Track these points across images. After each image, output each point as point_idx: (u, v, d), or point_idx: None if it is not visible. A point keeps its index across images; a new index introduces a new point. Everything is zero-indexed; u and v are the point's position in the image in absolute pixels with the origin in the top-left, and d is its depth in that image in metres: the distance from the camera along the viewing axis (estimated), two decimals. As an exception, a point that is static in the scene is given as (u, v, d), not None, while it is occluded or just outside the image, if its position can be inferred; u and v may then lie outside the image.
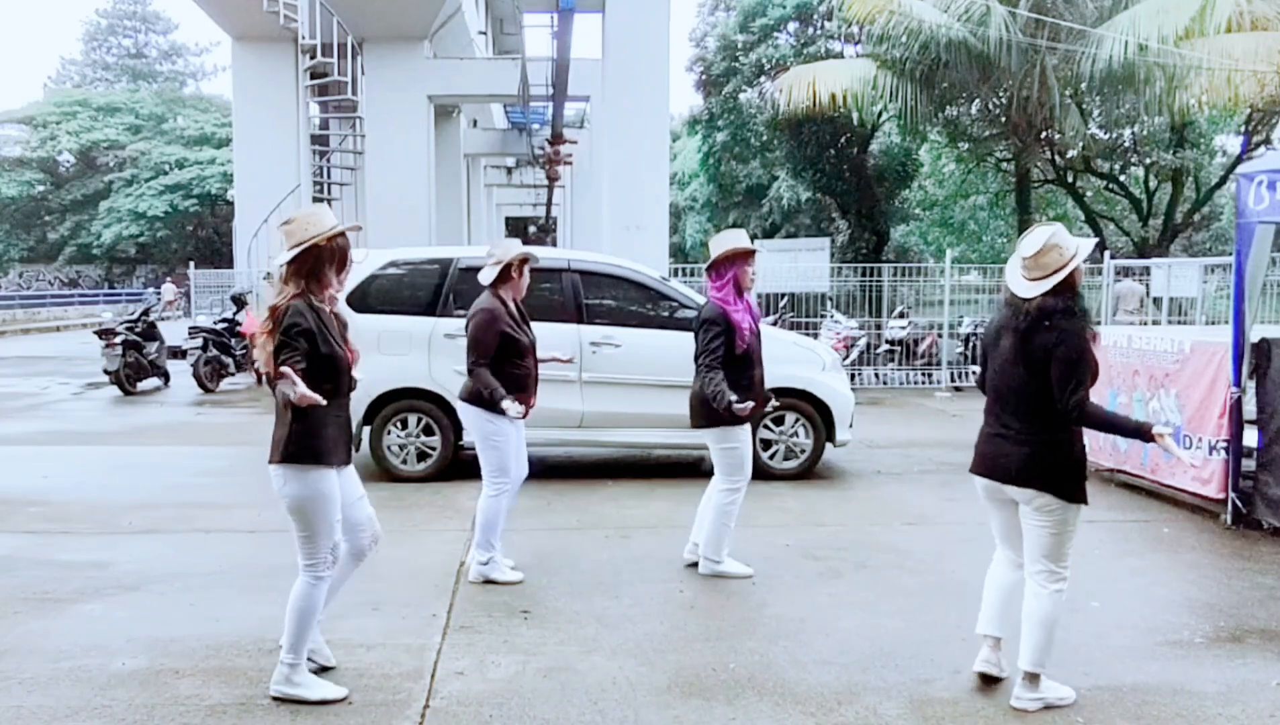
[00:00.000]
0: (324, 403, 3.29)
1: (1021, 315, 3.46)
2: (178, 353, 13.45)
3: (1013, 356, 3.49)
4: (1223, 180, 21.68)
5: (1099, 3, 14.08)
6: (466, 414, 4.92)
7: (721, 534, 5.03)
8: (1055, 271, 3.39)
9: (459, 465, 7.20)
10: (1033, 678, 3.52)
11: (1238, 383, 5.96)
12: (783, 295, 14.14)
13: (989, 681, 3.67)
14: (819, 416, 7.34)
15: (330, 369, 3.43)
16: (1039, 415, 3.46)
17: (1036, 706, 3.50)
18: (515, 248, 4.93)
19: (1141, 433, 3.50)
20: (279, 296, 3.43)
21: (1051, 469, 3.45)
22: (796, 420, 7.34)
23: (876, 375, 13.71)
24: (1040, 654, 3.51)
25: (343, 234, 3.51)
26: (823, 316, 14.09)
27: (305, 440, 3.41)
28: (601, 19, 14.10)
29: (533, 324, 5.05)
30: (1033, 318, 3.43)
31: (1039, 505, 3.47)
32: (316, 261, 3.44)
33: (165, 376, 13.18)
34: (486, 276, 4.87)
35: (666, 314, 7.44)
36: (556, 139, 20.72)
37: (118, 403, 11.87)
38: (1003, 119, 15.37)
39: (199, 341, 12.76)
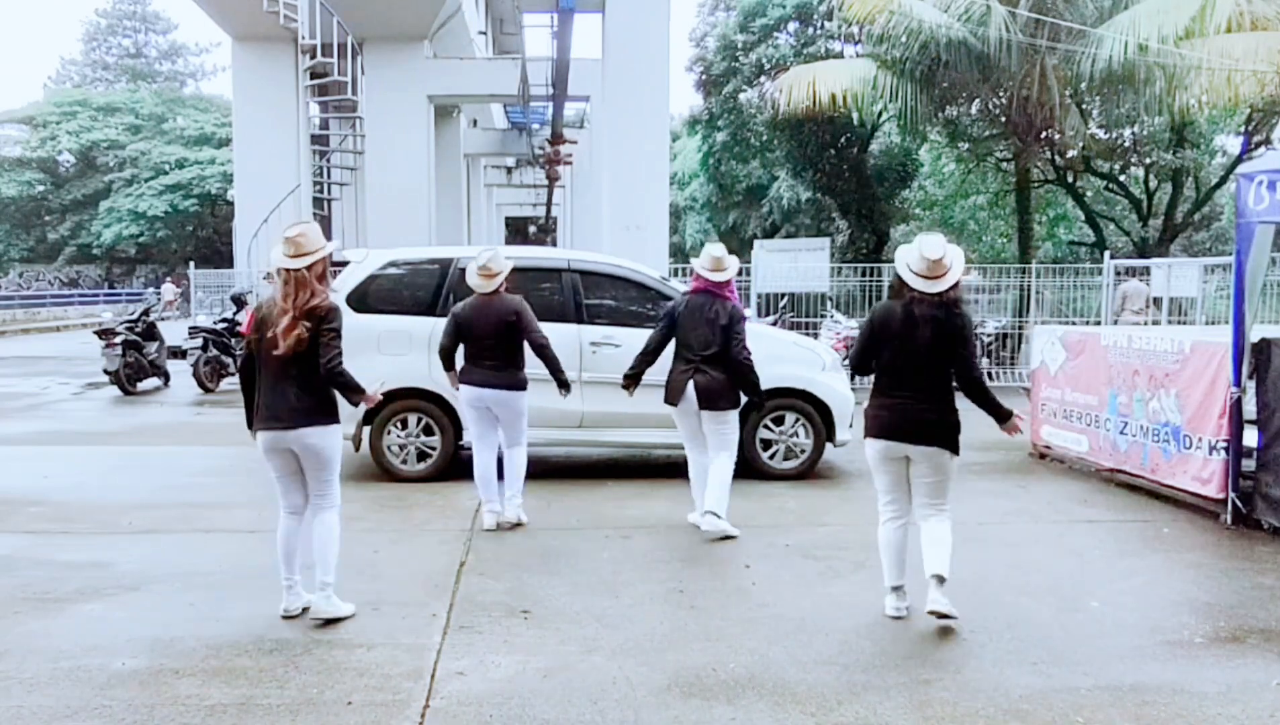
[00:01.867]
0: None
1: (939, 306, 4.23)
2: (178, 353, 13.44)
3: (930, 340, 4.24)
4: (1223, 180, 21.67)
5: (1099, 3, 14.06)
6: (518, 398, 5.84)
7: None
8: (956, 271, 4.22)
9: (459, 465, 7.19)
10: (944, 579, 4.30)
11: (1238, 383, 5.96)
12: (783, 295, 14.13)
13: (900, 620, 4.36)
14: (819, 416, 7.34)
15: None
16: (943, 387, 4.33)
17: (950, 607, 4.25)
18: (507, 260, 5.91)
19: (1003, 416, 4.43)
20: (317, 298, 4.15)
21: (950, 431, 4.33)
22: (796, 420, 7.34)
23: (876, 375, 13.68)
24: (949, 563, 4.33)
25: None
26: (823, 316, 14.08)
27: (336, 405, 4.34)
28: (601, 19, 14.10)
29: None
30: (949, 307, 4.25)
31: (939, 460, 4.33)
32: (325, 268, 4.24)
33: (165, 376, 13.18)
34: (488, 285, 5.78)
35: (666, 314, 7.43)
36: (556, 139, 20.73)
37: (118, 403, 11.87)
38: (1003, 119, 15.36)
39: (199, 341, 12.76)
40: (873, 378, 4.53)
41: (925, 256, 4.18)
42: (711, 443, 5.83)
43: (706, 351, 5.72)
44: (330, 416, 4.29)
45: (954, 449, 4.34)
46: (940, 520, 4.39)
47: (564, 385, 5.93)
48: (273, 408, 4.23)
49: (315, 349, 4.15)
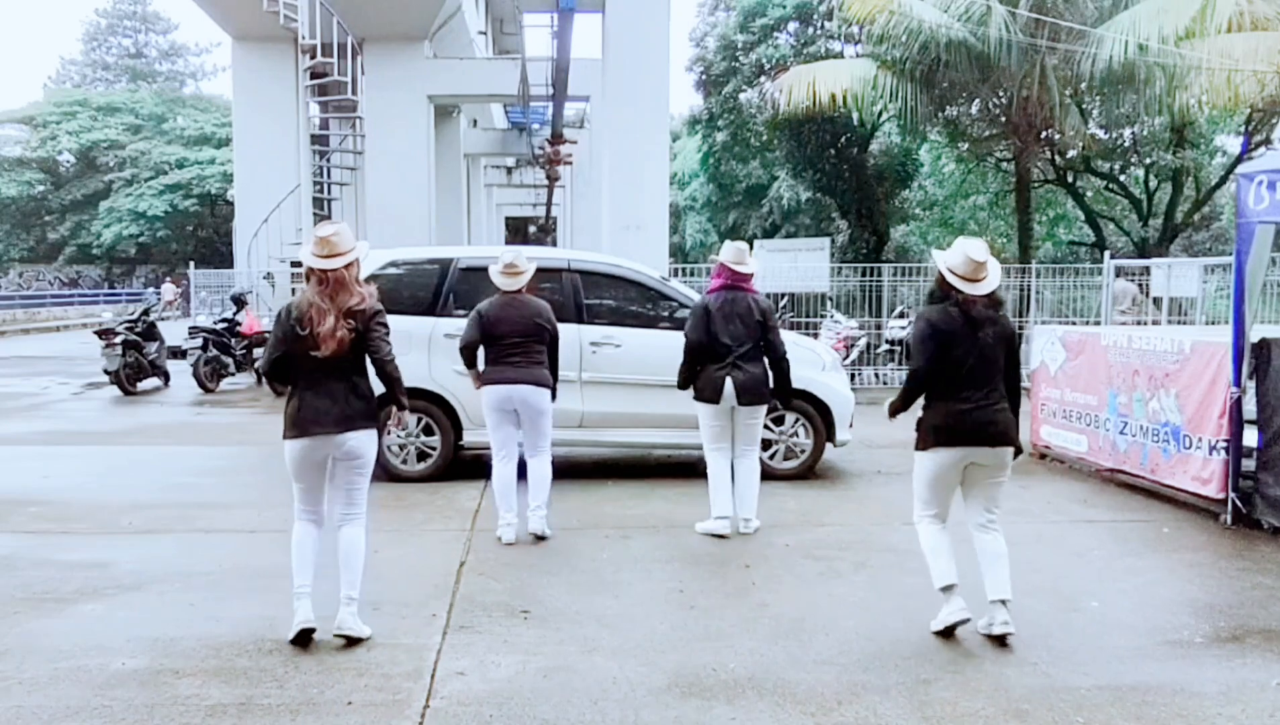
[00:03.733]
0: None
1: (995, 307, 4.27)
2: (178, 353, 13.45)
3: (993, 341, 4.23)
4: (1223, 180, 21.65)
5: (1099, 3, 14.06)
6: (545, 395, 5.76)
7: None
8: (996, 273, 4.26)
9: (459, 465, 7.21)
10: (1008, 602, 4.16)
11: (1238, 383, 5.96)
12: (783, 295, 14.12)
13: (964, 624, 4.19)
14: (819, 416, 7.34)
15: None
16: (1002, 385, 4.29)
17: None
18: (530, 260, 5.91)
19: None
20: (354, 298, 4.08)
21: (1017, 429, 4.32)
22: (796, 420, 7.34)
23: (876, 375, 13.71)
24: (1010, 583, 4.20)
25: None
26: (823, 316, 14.07)
27: (377, 410, 4.28)
28: (601, 19, 14.08)
29: None
30: (1001, 308, 4.32)
31: (1006, 459, 4.28)
32: (359, 268, 4.23)
33: (165, 376, 13.18)
34: (512, 283, 5.75)
35: (666, 314, 7.43)
36: (556, 139, 20.69)
37: (118, 403, 11.87)
38: (1003, 119, 15.35)
39: (199, 341, 12.76)
40: (923, 385, 4.32)
41: (973, 258, 4.18)
42: (743, 437, 5.86)
43: (742, 348, 5.75)
44: (373, 420, 4.22)
45: (1020, 447, 4.35)
46: (998, 534, 4.30)
47: (553, 394, 5.87)
48: (315, 412, 4.08)
49: (359, 350, 4.12)
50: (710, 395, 5.78)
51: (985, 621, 4.17)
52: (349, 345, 4.06)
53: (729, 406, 5.77)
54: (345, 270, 4.08)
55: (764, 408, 5.90)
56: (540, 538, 5.65)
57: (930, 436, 4.25)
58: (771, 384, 5.86)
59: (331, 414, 4.08)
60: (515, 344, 5.73)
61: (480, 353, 5.82)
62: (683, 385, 5.96)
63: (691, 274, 14.49)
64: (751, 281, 5.93)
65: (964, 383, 4.21)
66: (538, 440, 5.80)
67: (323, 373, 4.09)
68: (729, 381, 5.72)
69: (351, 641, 4.06)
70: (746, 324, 5.77)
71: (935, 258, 4.36)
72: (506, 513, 5.67)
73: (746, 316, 5.78)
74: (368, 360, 4.21)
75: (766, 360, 5.85)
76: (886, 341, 13.79)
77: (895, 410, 4.45)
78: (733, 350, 5.74)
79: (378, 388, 4.31)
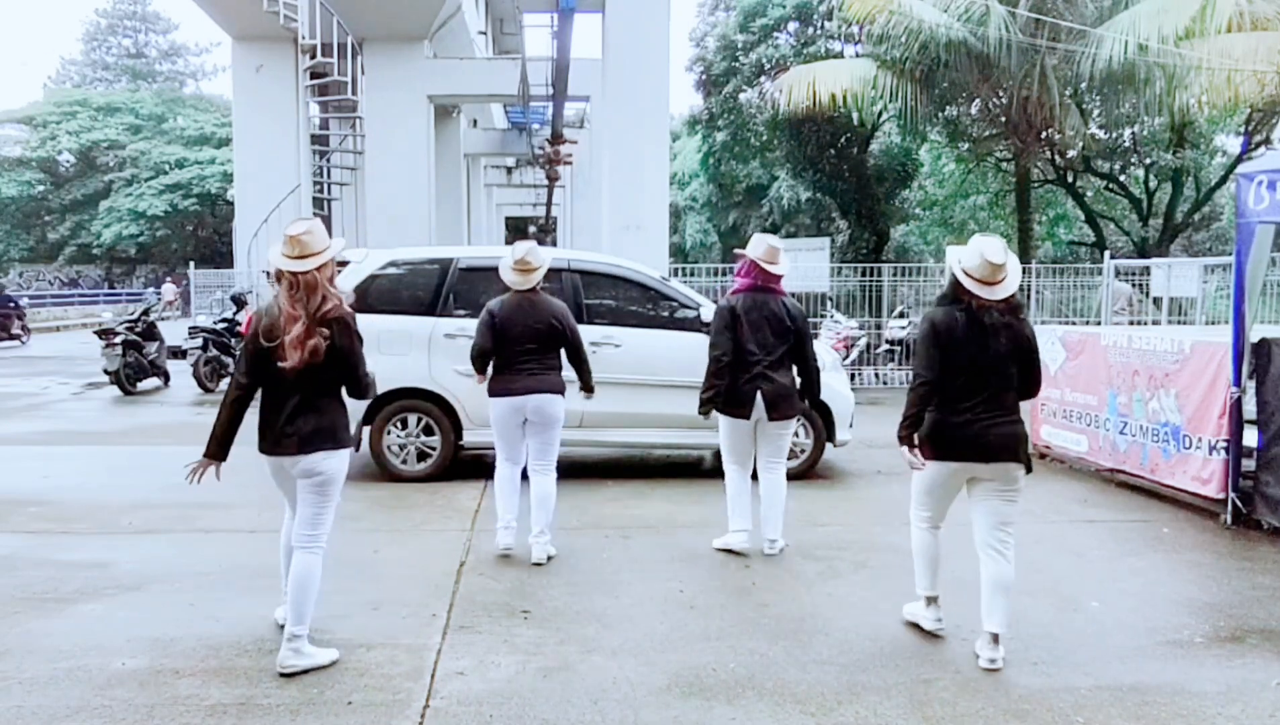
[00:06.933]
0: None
1: (1013, 312, 3.92)
2: (178, 353, 13.45)
3: (1006, 350, 3.89)
4: (1223, 180, 21.65)
5: (1099, 3, 14.08)
6: (559, 403, 5.27)
7: None
8: (1015, 275, 3.90)
9: (459, 465, 7.20)
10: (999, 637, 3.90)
11: (1238, 383, 5.96)
12: (782, 295, 14.11)
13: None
14: (819, 417, 7.33)
15: None
16: (1014, 397, 3.99)
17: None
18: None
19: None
20: (330, 303, 3.68)
21: (1025, 443, 4.00)
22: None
23: (876, 375, 13.72)
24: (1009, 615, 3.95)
25: None
26: (823, 316, 14.09)
27: (348, 428, 3.90)
28: (601, 19, 14.09)
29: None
30: (1018, 313, 3.94)
31: (1014, 475, 3.95)
32: (334, 269, 3.79)
33: (165, 376, 13.18)
34: (525, 281, 5.21)
35: (666, 314, 7.43)
36: (556, 139, 20.70)
37: (118, 403, 11.87)
38: (1003, 119, 15.35)
39: (199, 341, 12.77)
40: (922, 391, 3.96)
41: (989, 260, 3.80)
42: (767, 452, 5.38)
43: (771, 356, 5.22)
44: (341, 441, 3.80)
45: (1029, 464, 3.97)
46: (1007, 560, 3.94)
47: (589, 388, 5.49)
48: (277, 429, 3.73)
49: (330, 361, 3.68)
50: (738, 409, 5.23)
51: (980, 649, 3.91)
52: (323, 355, 3.65)
53: (756, 420, 5.25)
54: (318, 271, 3.66)
55: (794, 421, 5.46)
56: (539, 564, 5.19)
57: (926, 447, 3.99)
58: (799, 391, 5.38)
59: (292, 434, 3.71)
60: (529, 350, 5.20)
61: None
62: (704, 408, 5.30)
63: (691, 274, 14.51)
64: (781, 282, 5.35)
65: (961, 392, 3.91)
66: (545, 452, 5.31)
67: (288, 385, 3.71)
68: (759, 395, 5.18)
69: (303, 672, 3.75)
70: (777, 330, 5.23)
71: (949, 256, 3.95)
72: (506, 514, 5.30)
73: (777, 322, 5.23)
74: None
75: (795, 368, 5.35)
76: (886, 341, 13.80)
77: (905, 433, 4.00)
78: (761, 359, 5.19)
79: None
